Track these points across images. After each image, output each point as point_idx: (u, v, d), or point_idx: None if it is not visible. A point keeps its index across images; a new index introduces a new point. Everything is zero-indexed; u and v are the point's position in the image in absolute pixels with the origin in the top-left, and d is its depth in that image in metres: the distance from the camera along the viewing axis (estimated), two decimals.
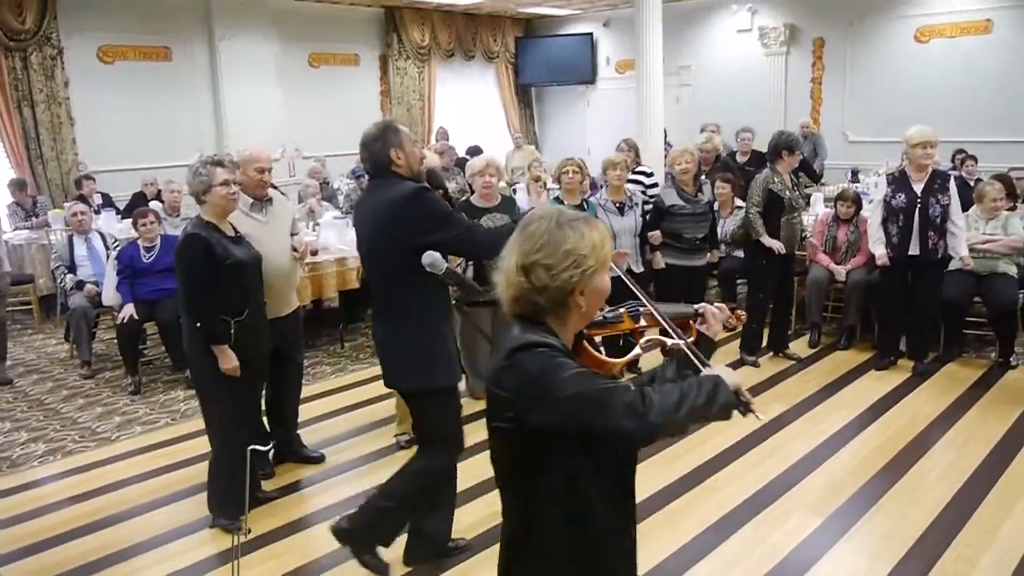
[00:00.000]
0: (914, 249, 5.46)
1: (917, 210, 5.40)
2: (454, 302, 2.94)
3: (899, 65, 11.52)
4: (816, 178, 9.91)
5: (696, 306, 1.99)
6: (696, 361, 1.83)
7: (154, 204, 7.99)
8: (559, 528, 1.74)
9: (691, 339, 1.92)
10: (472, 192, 5.51)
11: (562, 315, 1.73)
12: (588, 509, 1.73)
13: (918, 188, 5.43)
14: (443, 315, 3.34)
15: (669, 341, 1.90)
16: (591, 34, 14.56)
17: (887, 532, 3.73)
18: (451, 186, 7.71)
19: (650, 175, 6.64)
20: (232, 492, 3.64)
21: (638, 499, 1.91)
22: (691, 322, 1.98)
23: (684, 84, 13.51)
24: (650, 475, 4.21)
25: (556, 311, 1.72)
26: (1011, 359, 5.78)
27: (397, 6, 13.13)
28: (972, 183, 7.88)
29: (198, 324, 3.63)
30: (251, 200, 4.13)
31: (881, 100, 11.56)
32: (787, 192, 5.82)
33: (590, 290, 1.71)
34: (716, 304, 2.00)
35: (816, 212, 7.43)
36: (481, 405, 5.22)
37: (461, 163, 9.21)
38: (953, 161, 9.47)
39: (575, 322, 1.76)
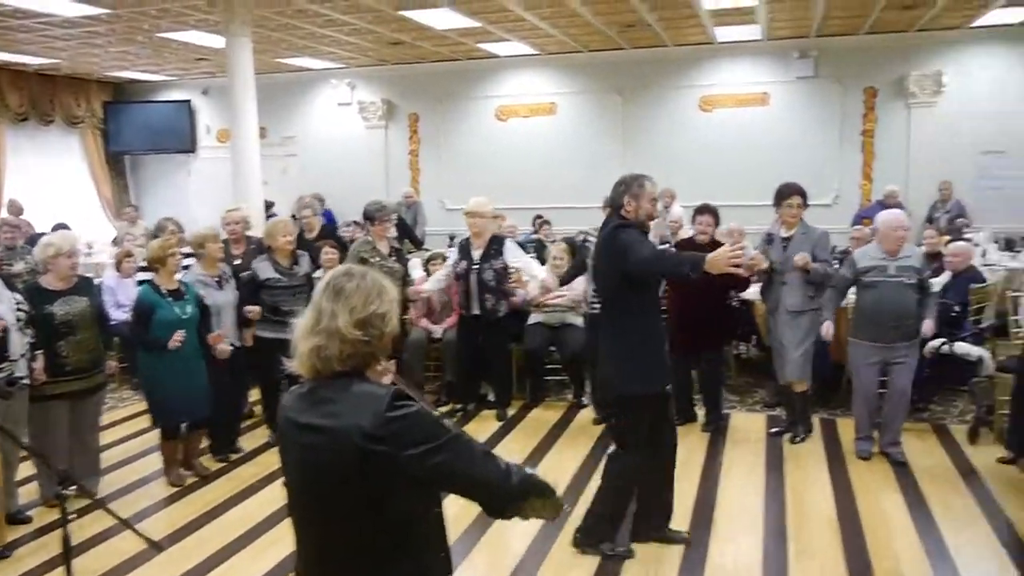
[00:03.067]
0: (476, 309, 6.03)
1: (474, 274, 5.95)
2: None
3: (484, 140, 12.76)
4: (418, 244, 10.47)
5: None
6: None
7: None
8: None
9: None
10: (45, 272, 4.95)
11: (380, 359, 1.90)
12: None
13: (476, 255, 6.04)
14: (651, 332, 3.95)
15: None
16: (188, 101, 14.02)
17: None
18: (20, 266, 6.85)
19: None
20: None
21: None
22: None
23: (290, 155, 13.55)
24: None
25: (378, 357, 1.89)
26: (583, 399, 6.54)
27: None
28: (548, 244, 8.85)
29: None
30: None
31: (472, 171, 12.64)
32: (376, 258, 6.06)
33: None
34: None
35: (415, 276, 7.80)
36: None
37: (35, 239, 8.20)
38: (533, 225, 10.61)
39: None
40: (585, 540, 4.13)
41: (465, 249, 6.15)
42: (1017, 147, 10.24)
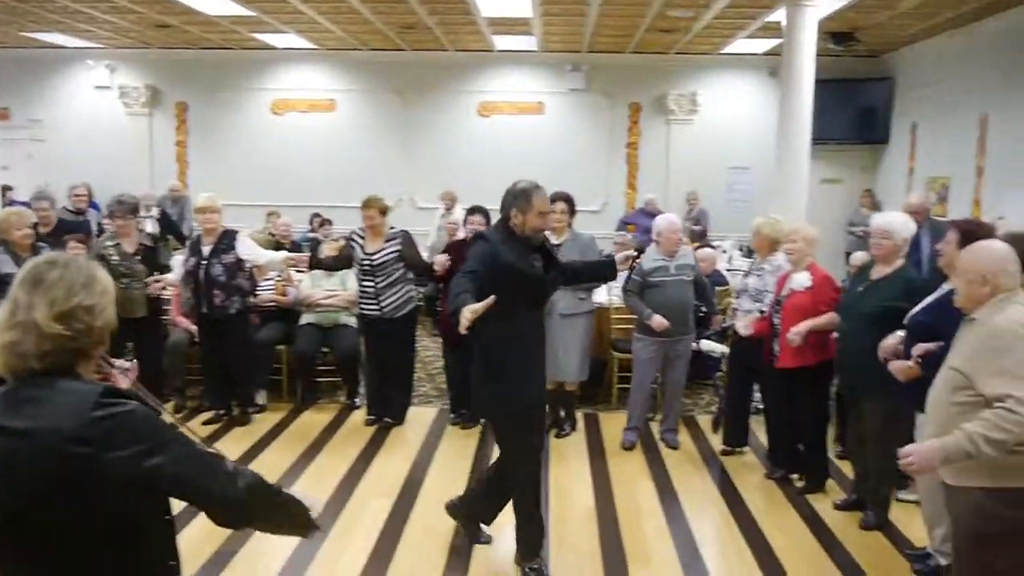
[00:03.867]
0: (205, 307, 5.79)
1: (203, 270, 5.74)
2: None
3: (259, 134, 12.28)
4: (184, 240, 9.85)
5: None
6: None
7: None
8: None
9: None
10: None
11: (92, 355, 1.73)
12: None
13: (206, 250, 5.80)
14: (502, 347, 3.70)
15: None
16: None
17: None
18: None
19: None
20: None
21: None
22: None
23: (36, 139, 12.31)
24: None
25: (91, 352, 1.72)
26: (356, 400, 6.45)
27: None
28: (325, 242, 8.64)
29: None
30: None
31: (246, 165, 12.13)
32: (116, 257, 5.71)
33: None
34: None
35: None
36: None
37: None
38: (310, 223, 10.35)
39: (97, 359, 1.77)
40: (525, 558, 3.95)
41: (196, 245, 5.91)
42: (759, 164, 11.30)
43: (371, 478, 5.10)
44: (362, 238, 5.89)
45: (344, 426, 6.07)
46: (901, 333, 3.95)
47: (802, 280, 4.78)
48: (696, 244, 8.37)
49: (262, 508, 1.81)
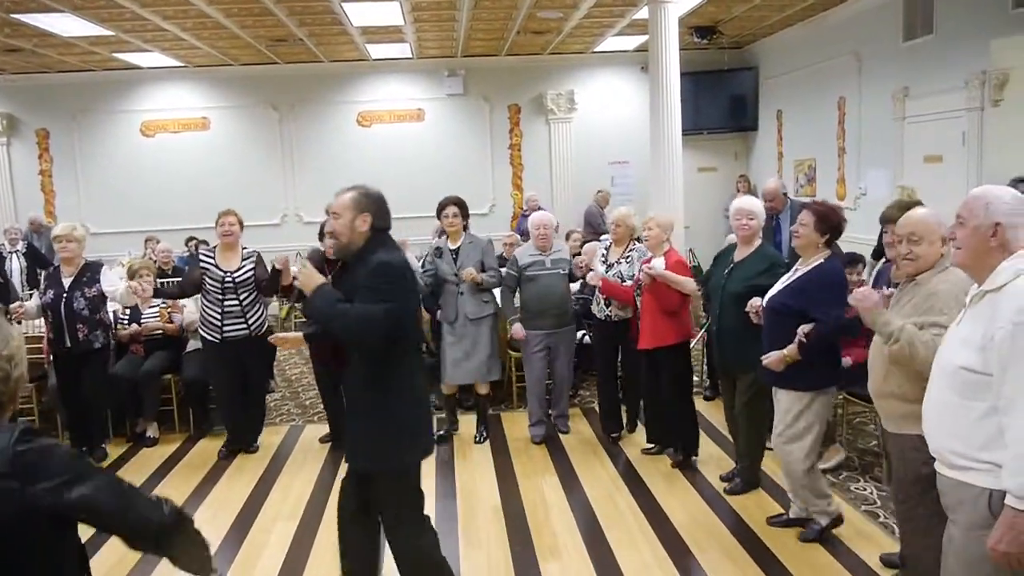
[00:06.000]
0: (68, 342, 5.57)
1: (63, 304, 5.53)
2: None
3: (130, 157, 11.81)
4: None
5: None
6: None
7: None
8: None
9: None
10: None
11: (6, 408, 1.74)
12: None
13: (67, 282, 5.60)
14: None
15: None
16: None
17: None
18: None
19: None
20: None
21: None
22: None
23: None
24: None
25: (7, 405, 1.73)
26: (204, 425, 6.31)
27: None
28: None
29: None
30: None
31: (118, 191, 11.67)
32: None
33: None
34: None
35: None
36: None
37: None
38: (187, 246, 10.04)
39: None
40: None
41: (55, 277, 5.69)
42: (638, 157, 11.57)
43: (274, 502, 4.99)
44: (211, 257, 5.71)
45: (243, 452, 5.89)
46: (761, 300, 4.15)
47: (658, 265, 5.03)
48: (586, 239, 8.56)
49: (181, 536, 1.86)
